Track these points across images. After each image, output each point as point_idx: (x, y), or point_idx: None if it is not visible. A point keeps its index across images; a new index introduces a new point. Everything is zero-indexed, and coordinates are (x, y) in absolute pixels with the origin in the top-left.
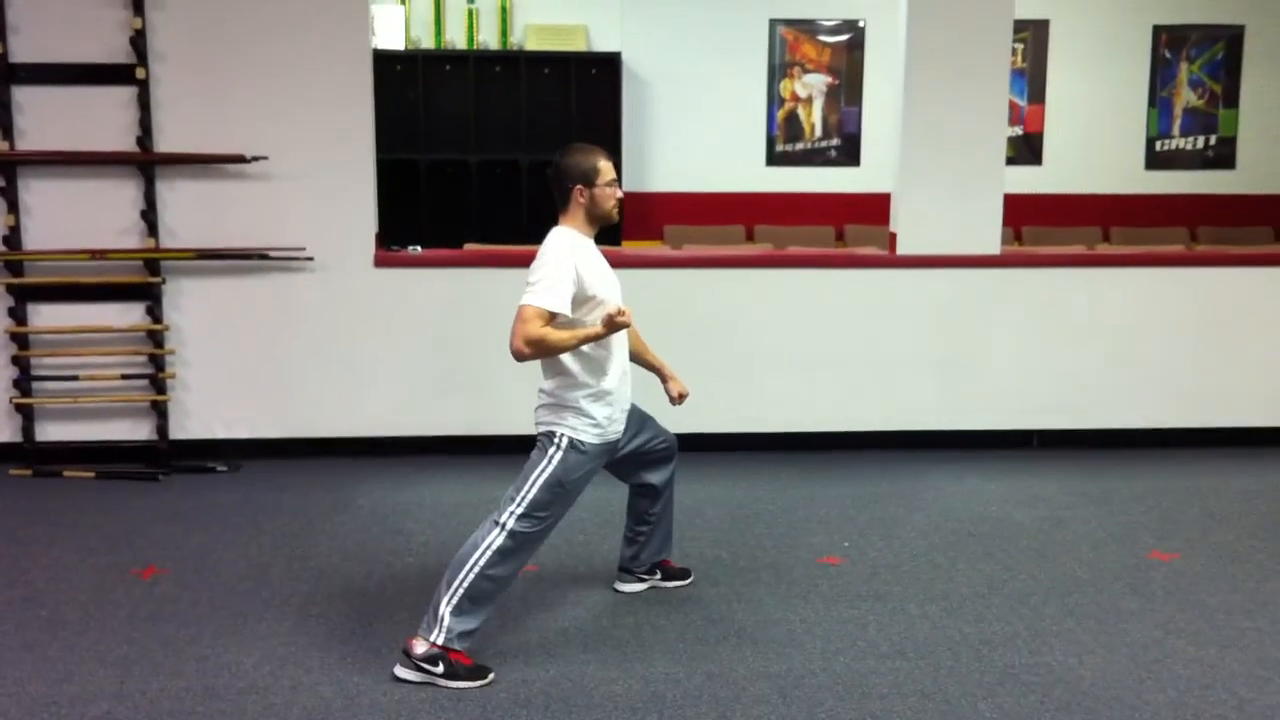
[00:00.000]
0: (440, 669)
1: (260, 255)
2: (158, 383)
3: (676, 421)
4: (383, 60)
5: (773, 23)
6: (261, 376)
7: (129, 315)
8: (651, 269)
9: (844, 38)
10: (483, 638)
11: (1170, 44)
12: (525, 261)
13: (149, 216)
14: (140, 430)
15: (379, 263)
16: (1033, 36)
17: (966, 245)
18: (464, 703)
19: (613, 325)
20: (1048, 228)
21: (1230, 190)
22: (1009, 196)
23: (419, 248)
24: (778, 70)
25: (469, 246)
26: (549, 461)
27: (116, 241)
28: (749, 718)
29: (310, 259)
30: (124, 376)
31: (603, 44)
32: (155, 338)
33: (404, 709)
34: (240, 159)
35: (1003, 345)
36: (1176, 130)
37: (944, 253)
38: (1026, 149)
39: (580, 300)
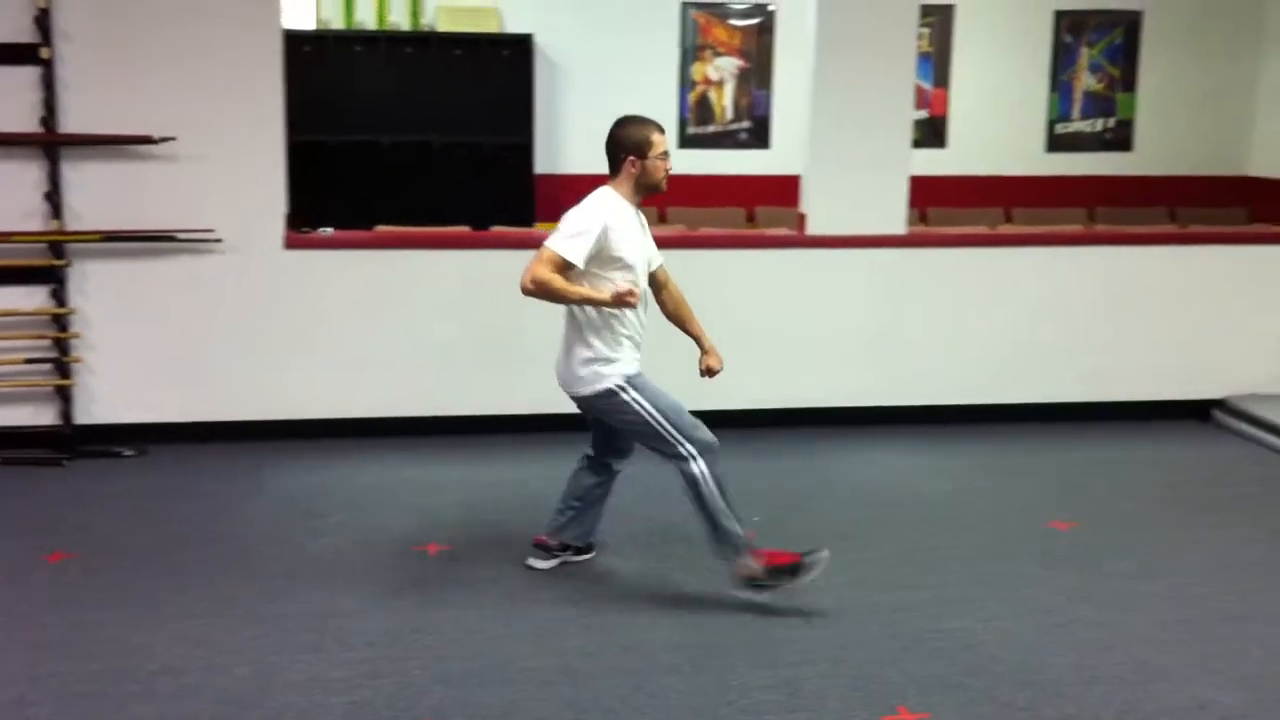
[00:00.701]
0: (771, 579)
1: (168, 237)
2: (62, 367)
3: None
4: (293, 41)
5: (685, 6)
6: (170, 360)
7: (32, 299)
8: None
9: (754, 21)
10: (390, 614)
11: (1071, 29)
12: (435, 242)
13: (53, 198)
14: (44, 415)
15: (290, 244)
16: (938, 21)
17: (874, 226)
18: (379, 680)
19: (620, 302)
20: (952, 209)
21: (1128, 172)
22: (915, 178)
23: (330, 229)
24: (689, 53)
25: (381, 228)
26: (632, 405)
27: (19, 224)
28: (662, 688)
29: (220, 241)
30: (28, 361)
31: (515, 25)
32: (60, 321)
33: (318, 686)
34: (148, 140)
35: (910, 323)
36: (1076, 113)
37: (852, 233)
38: (931, 132)
39: (605, 259)
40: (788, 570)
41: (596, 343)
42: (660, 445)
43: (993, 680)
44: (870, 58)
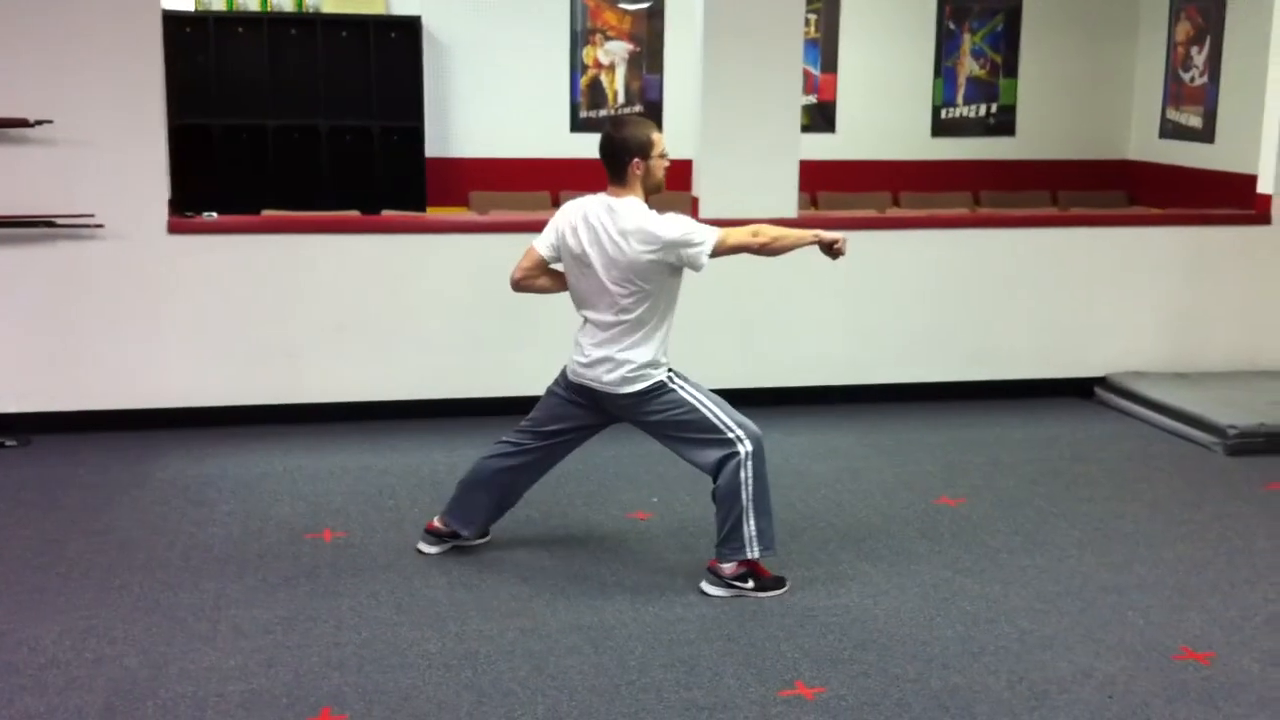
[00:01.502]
0: (750, 584)
1: (47, 223)
2: None
3: (484, 386)
4: (172, 22)
5: None
6: (52, 348)
7: None
8: (456, 234)
9: (644, 5)
10: (285, 602)
11: (954, 15)
12: (324, 227)
13: None
14: None
15: (173, 229)
16: (825, 7)
17: (765, 209)
18: (275, 668)
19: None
20: (841, 193)
21: (1010, 156)
22: (805, 163)
23: (214, 214)
24: (579, 37)
25: (266, 213)
26: (682, 397)
27: None
28: (562, 669)
29: (100, 226)
30: None
31: (402, 7)
32: None
33: (213, 676)
34: (24, 123)
35: (800, 305)
36: (960, 99)
37: (744, 216)
38: (820, 117)
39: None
40: (771, 583)
41: (650, 342)
42: (709, 434)
43: (882, 654)
44: (759, 42)
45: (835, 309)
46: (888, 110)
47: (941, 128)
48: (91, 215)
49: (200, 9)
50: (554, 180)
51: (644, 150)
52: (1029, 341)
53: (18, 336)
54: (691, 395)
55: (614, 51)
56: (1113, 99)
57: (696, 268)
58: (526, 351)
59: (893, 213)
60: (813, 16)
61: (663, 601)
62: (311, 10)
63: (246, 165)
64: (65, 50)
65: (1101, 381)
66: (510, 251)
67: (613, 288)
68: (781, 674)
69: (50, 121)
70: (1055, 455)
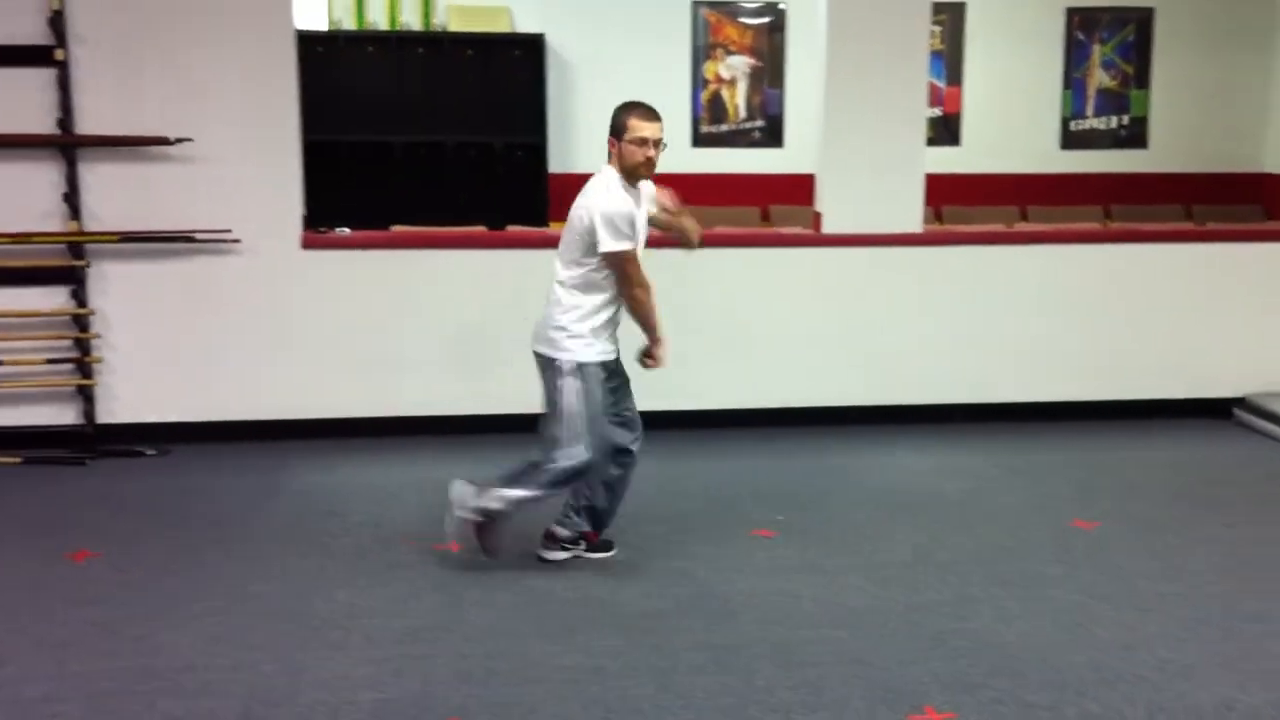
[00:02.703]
0: (583, 545)
1: (186, 238)
2: (83, 367)
3: None
4: (305, 41)
5: (695, 5)
6: (189, 360)
7: (53, 299)
8: None
9: (765, 20)
10: (414, 613)
11: (1082, 26)
12: (451, 242)
13: (72, 199)
14: (66, 415)
15: (306, 244)
16: (950, 19)
17: (889, 224)
18: (404, 677)
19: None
20: (966, 207)
21: (1142, 169)
22: (929, 176)
23: (347, 230)
24: (701, 52)
25: (397, 228)
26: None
27: (39, 225)
28: (688, 687)
29: (237, 241)
30: (49, 361)
31: (526, 25)
32: (80, 322)
33: (346, 684)
34: (164, 141)
35: (926, 321)
36: (1090, 110)
37: (868, 231)
38: (945, 130)
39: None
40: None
41: (576, 321)
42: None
43: (1015, 680)
44: (883, 56)
45: (962, 326)
46: (1014, 123)
47: (1071, 140)
48: (229, 231)
49: (333, 28)
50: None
51: (618, 131)
52: (1162, 360)
53: (157, 348)
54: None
55: (735, 66)
56: (1248, 110)
57: (596, 250)
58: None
59: (1021, 227)
60: (937, 28)
61: (789, 621)
62: (439, 29)
63: (374, 181)
64: (204, 70)
65: (1240, 402)
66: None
67: (563, 252)
68: (911, 698)
69: (190, 139)
70: (1193, 478)
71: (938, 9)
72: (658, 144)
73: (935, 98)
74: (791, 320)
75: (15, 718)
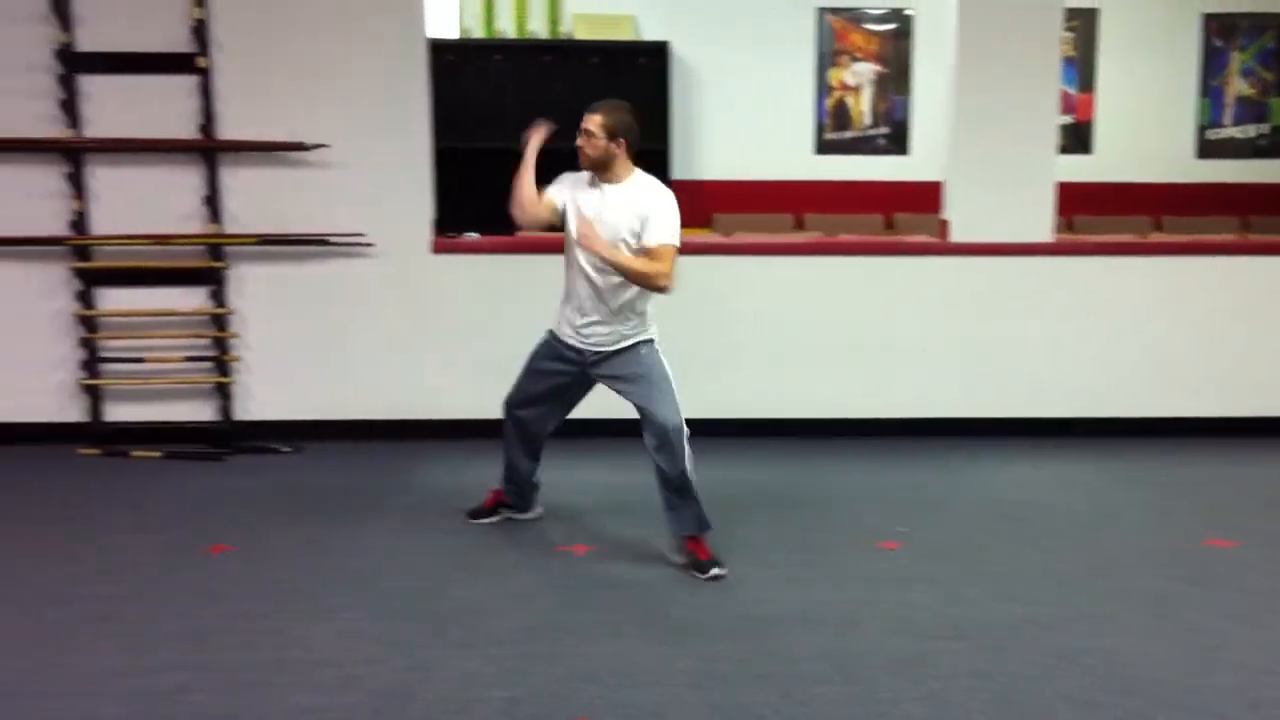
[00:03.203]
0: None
1: (321, 241)
2: (221, 365)
3: (718, 406)
4: (436, 49)
5: (820, 11)
6: (322, 360)
7: (193, 299)
8: (700, 255)
9: (891, 26)
10: (538, 613)
11: (1220, 32)
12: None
13: (212, 202)
14: (204, 411)
15: (436, 249)
16: (1082, 25)
17: (1019, 233)
18: (530, 677)
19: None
20: (1098, 217)
21: None
22: (1059, 185)
23: (475, 234)
24: (826, 59)
25: (522, 233)
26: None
27: (180, 227)
28: (811, 696)
29: (370, 245)
30: (188, 359)
31: (651, 33)
32: (219, 321)
33: (473, 682)
34: (301, 146)
35: (1052, 332)
36: (1228, 119)
37: (997, 240)
38: (1075, 138)
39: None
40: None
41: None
42: (659, 408)
43: (1148, 701)
44: (1014, 61)
45: (1087, 337)
46: (1148, 131)
47: (1207, 149)
48: (362, 234)
49: (462, 36)
50: (797, 203)
51: None
52: None
53: (291, 348)
54: (661, 368)
55: (861, 73)
56: None
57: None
58: (766, 370)
59: (1155, 238)
60: (1069, 34)
61: (911, 632)
62: (565, 37)
63: (500, 187)
64: (339, 77)
65: None
66: (753, 271)
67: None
68: (1037, 715)
69: (326, 145)
70: None
71: (1070, 15)
72: (585, 132)
73: (1066, 105)
74: (915, 329)
75: (153, 707)
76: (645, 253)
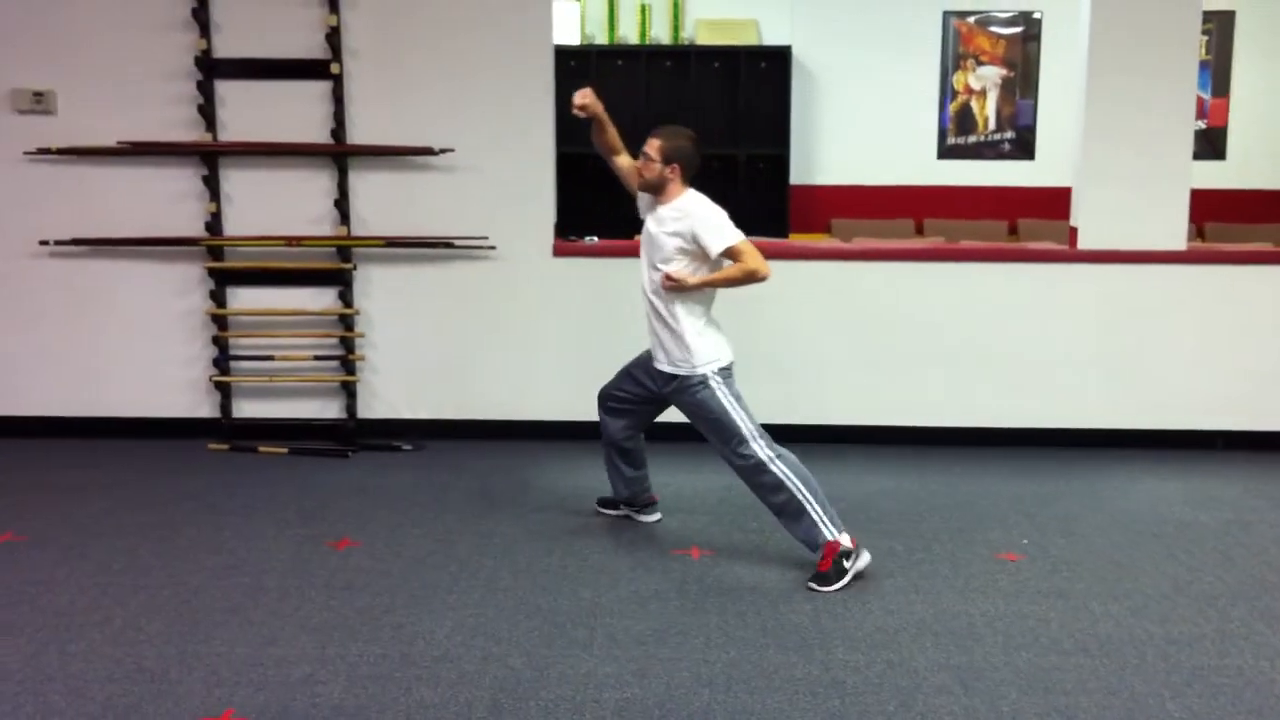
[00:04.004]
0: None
1: (446, 244)
2: (347, 364)
3: (841, 414)
4: (559, 56)
5: (946, 15)
6: (445, 360)
7: (321, 299)
8: (818, 261)
9: (1019, 29)
10: (656, 615)
11: None
12: None
13: (341, 205)
14: (330, 409)
15: (558, 252)
16: (1217, 28)
17: (1151, 241)
18: (647, 679)
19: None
20: (1231, 224)
21: None
22: (1192, 192)
23: (595, 238)
24: (950, 62)
25: (639, 238)
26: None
27: (311, 229)
28: (931, 708)
29: (492, 248)
30: (315, 358)
31: (773, 38)
32: (345, 321)
33: (590, 682)
34: (428, 151)
35: (1185, 343)
36: None
37: (1127, 248)
38: (1207, 144)
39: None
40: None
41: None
42: (729, 439)
43: None
44: (1148, 65)
45: (1222, 348)
46: None
47: None
48: (485, 238)
49: (585, 43)
50: (919, 208)
51: None
52: None
53: (414, 348)
54: (724, 402)
55: (986, 77)
56: None
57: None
58: (884, 377)
59: None
60: (1204, 37)
61: (1036, 647)
62: (687, 42)
63: (620, 192)
64: (466, 83)
65: None
66: (872, 278)
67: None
68: None
69: (452, 150)
70: None
71: (1205, 17)
72: (644, 155)
73: (1200, 110)
74: (1041, 338)
75: (280, 695)
76: (728, 255)
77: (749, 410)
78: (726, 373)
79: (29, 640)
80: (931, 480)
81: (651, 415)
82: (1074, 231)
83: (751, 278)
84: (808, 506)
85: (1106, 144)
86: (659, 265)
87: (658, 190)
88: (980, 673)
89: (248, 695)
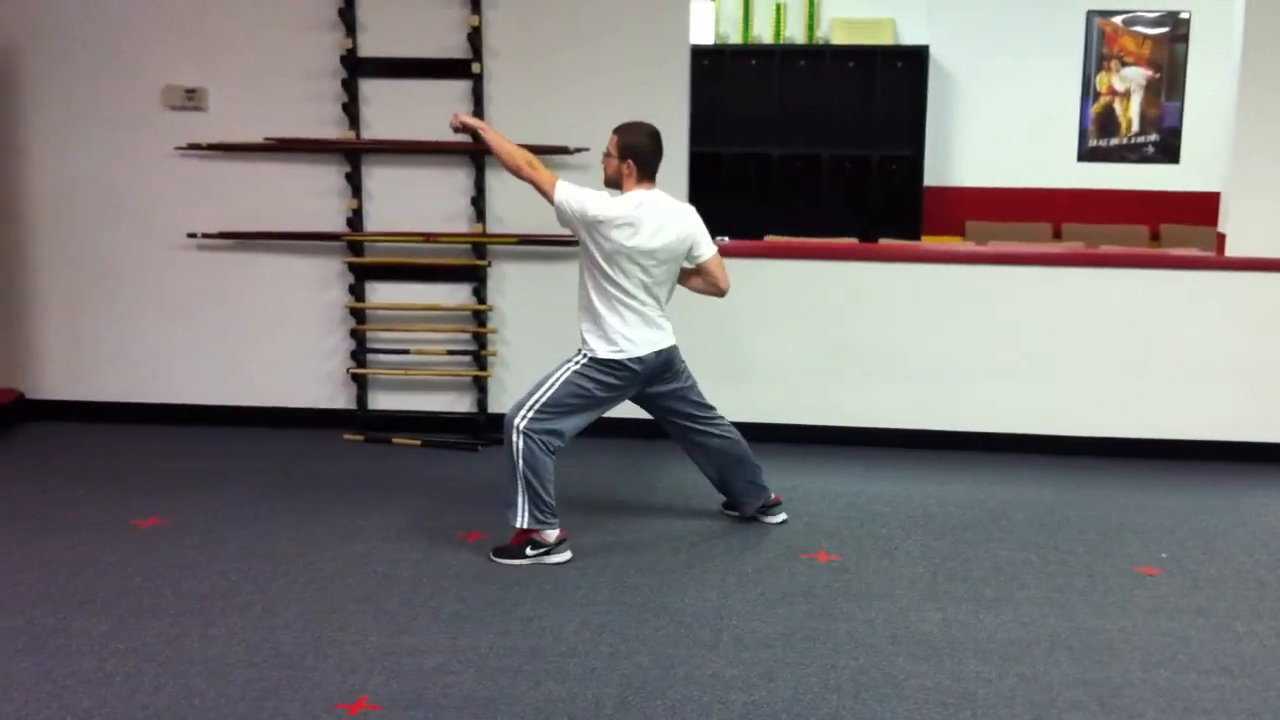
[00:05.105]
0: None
1: (577, 242)
2: (479, 359)
3: (972, 421)
4: (693, 55)
5: (1090, 14)
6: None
7: (456, 295)
8: (953, 264)
9: (1165, 30)
10: (783, 619)
11: None
12: (824, 254)
13: (478, 203)
14: (462, 403)
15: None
16: None
17: None
18: (774, 683)
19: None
20: None
21: None
22: None
23: (726, 238)
24: (1093, 63)
25: (770, 238)
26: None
27: (447, 226)
28: None
29: None
30: (449, 352)
31: (910, 37)
32: (479, 317)
33: (717, 683)
34: (564, 150)
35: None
36: None
37: (1277, 256)
38: None
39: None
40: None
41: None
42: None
43: None
44: None
45: None
46: None
47: None
48: None
49: (719, 42)
50: (1057, 211)
51: None
52: None
53: (543, 345)
54: (559, 374)
55: (1130, 78)
56: None
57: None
58: (1020, 384)
59: None
60: None
61: (1175, 665)
62: (822, 42)
63: (751, 191)
64: (603, 83)
65: None
66: (1008, 282)
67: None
68: None
69: (587, 149)
70: None
71: None
72: (605, 153)
73: None
74: (1184, 346)
75: (413, 684)
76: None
77: (568, 401)
78: (598, 366)
79: (171, 623)
80: (1068, 490)
81: (666, 411)
82: (1222, 238)
83: (516, 162)
84: (520, 486)
85: (1259, 149)
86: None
87: (618, 186)
88: (1117, 690)
89: (381, 683)
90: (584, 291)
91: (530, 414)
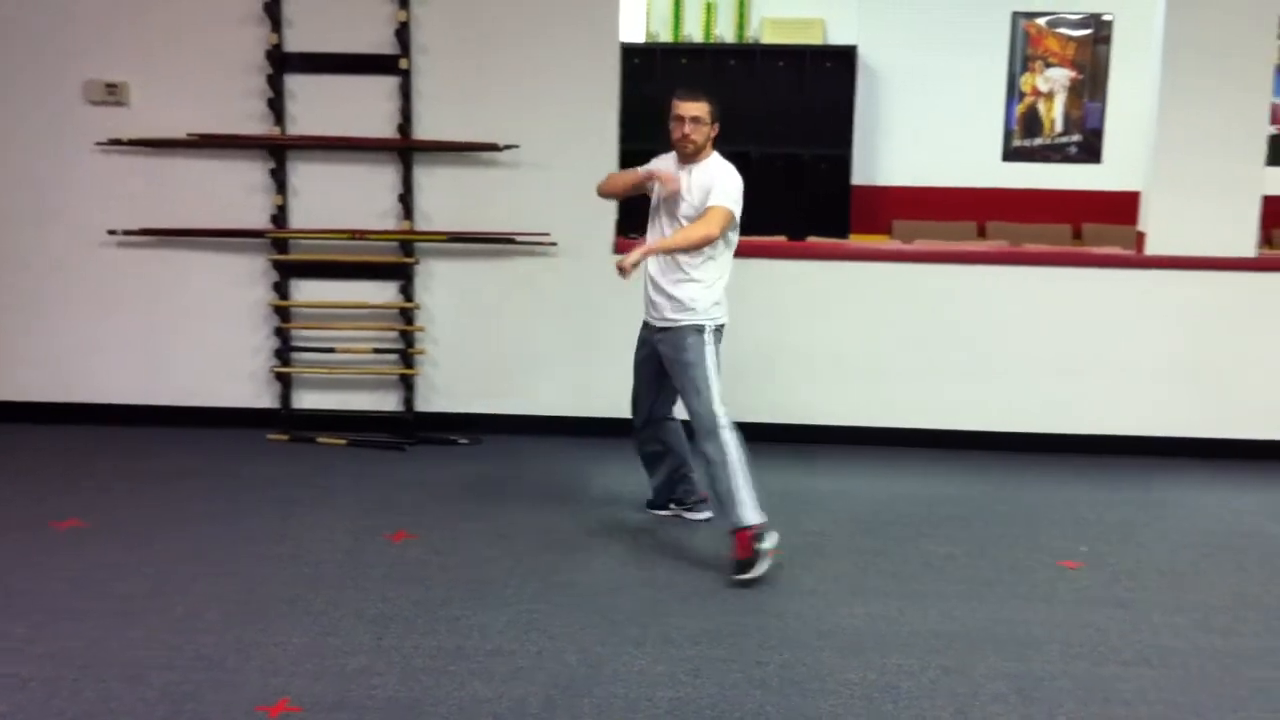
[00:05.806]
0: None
1: (508, 240)
2: (407, 358)
3: (901, 418)
4: (623, 53)
5: (1015, 15)
6: (503, 355)
7: (383, 293)
8: (878, 262)
9: (1088, 31)
10: (710, 616)
11: None
12: (754, 252)
13: (406, 200)
14: (388, 402)
15: (619, 249)
16: None
17: (1220, 247)
18: (700, 679)
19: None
20: None
21: None
22: (1266, 199)
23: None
24: (1018, 64)
25: None
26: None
27: (375, 223)
28: (988, 715)
29: (554, 244)
30: (376, 350)
31: (839, 37)
32: (406, 315)
33: (644, 680)
34: (493, 147)
35: (1257, 352)
36: None
37: (1197, 254)
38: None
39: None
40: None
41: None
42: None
43: None
44: (1222, 69)
45: None
46: None
47: None
48: (547, 234)
49: (649, 40)
50: (982, 210)
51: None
52: None
53: (473, 343)
54: (703, 359)
55: (1054, 79)
56: None
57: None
58: (946, 382)
59: None
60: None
61: (1095, 656)
62: (752, 40)
63: None
64: (532, 81)
65: None
66: (933, 280)
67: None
68: None
69: (517, 146)
70: None
71: None
72: (693, 120)
73: (1274, 116)
74: (1108, 344)
75: (336, 685)
76: (709, 209)
77: (721, 377)
78: (719, 334)
79: (92, 625)
80: (993, 486)
81: (660, 387)
82: (1142, 236)
83: (702, 241)
84: (741, 483)
85: (1178, 149)
86: (683, 220)
87: (702, 151)
88: (1037, 682)
89: (304, 685)
90: (700, 263)
91: (721, 409)
